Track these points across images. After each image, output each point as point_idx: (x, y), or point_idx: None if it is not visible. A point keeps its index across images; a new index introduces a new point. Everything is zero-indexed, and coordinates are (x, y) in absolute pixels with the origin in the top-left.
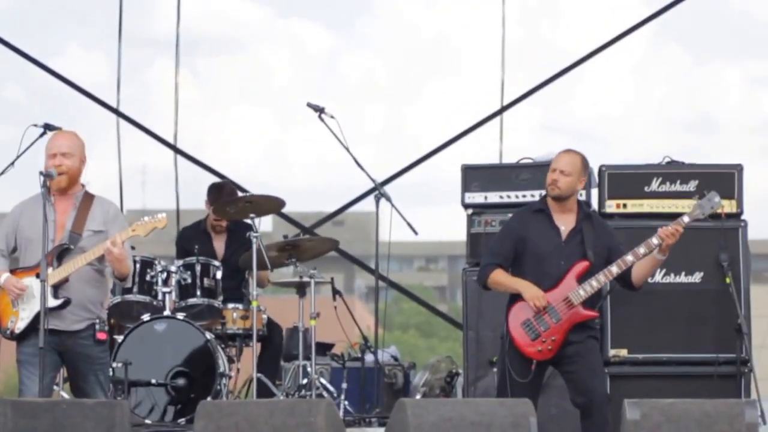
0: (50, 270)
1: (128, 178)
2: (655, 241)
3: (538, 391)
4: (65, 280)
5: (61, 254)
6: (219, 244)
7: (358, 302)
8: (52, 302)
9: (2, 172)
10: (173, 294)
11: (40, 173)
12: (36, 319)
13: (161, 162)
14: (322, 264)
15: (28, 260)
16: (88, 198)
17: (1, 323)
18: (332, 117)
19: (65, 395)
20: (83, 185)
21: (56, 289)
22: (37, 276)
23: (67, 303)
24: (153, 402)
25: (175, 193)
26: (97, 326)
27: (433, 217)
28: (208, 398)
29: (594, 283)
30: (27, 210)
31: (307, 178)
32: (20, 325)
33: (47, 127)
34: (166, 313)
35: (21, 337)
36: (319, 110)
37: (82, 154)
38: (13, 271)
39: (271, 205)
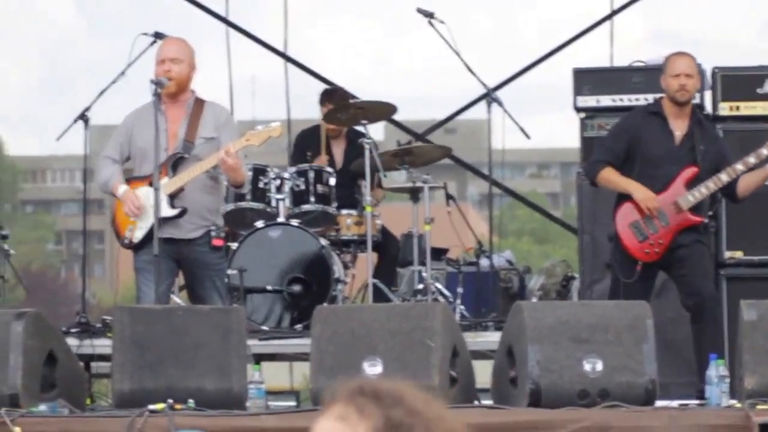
0: (166, 179)
1: (237, 89)
2: (765, 151)
3: (649, 293)
4: (180, 189)
5: (175, 163)
6: (337, 151)
7: (471, 209)
8: (169, 212)
9: (113, 82)
10: (287, 201)
11: (151, 81)
12: (152, 228)
13: (270, 72)
14: (434, 171)
15: (144, 169)
16: (199, 104)
17: (120, 232)
18: (442, 22)
19: (180, 302)
20: (193, 91)
21: (172, 198)
22: (152, 185)
23: (183, 212)
24: (269, 308)
25: (286, 102)
26: (213, 233)
27: (544, 123)
28: (324, 304)
29: (703, 190)
30: (139, 119)
31: (417, 85)
32: (138, 234)
33: (157, 36)
34: (280, 219)
35: (138, 246)
36: (429, 15)
37: (191, 60)
38: (128, 180)
39: (383, 111)
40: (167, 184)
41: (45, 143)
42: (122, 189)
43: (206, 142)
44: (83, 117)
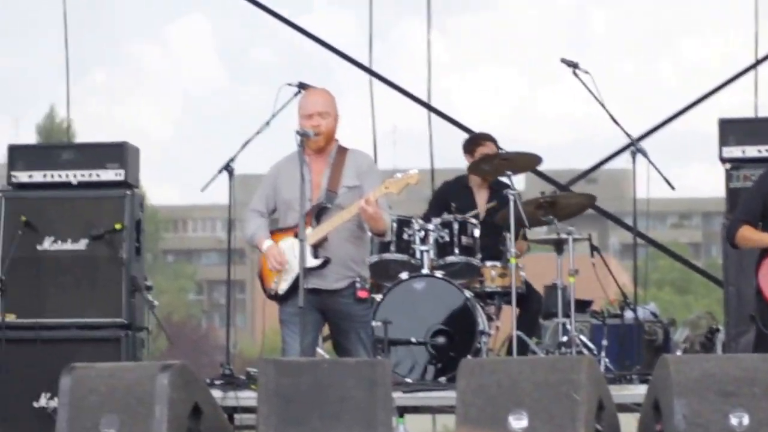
0: (309, 230)
1: (379, 138)
2: None
3: None
4: (324, 239)
5: (318, 213)
6: (481, 200)
7: (612, 259)
8: (312, 262)
9: (257, 132)
10: (431, 252)
11: (296, 132)
12: (298, 279)
13: (412, 121)
14: (575, 221)
15: (288, 220)
16: (342, 153)
17: (265, 284)
18: (586, 72)
19: (325, 354)
20: (336, 140)
21: (316, 248)
22: (296, 236)
23: (326, 262)
24: (413, 360)
25: (429, 151)
26: (358, 284)
27: (685, 172)
28: (468, 356)
29: None
30: (283, 170)
31: (556, 134)
32: (283, 286)
33: (301, 86)
34: (425, 271)
35: (283, 298)
36: (573, 66)
37: (336, 111)
38: (272, 233)
39: (528, 162)
40: (311, 234)
41: (186, 192)
42: (266, 244)
43: (349, 191)
44: (228, 168)
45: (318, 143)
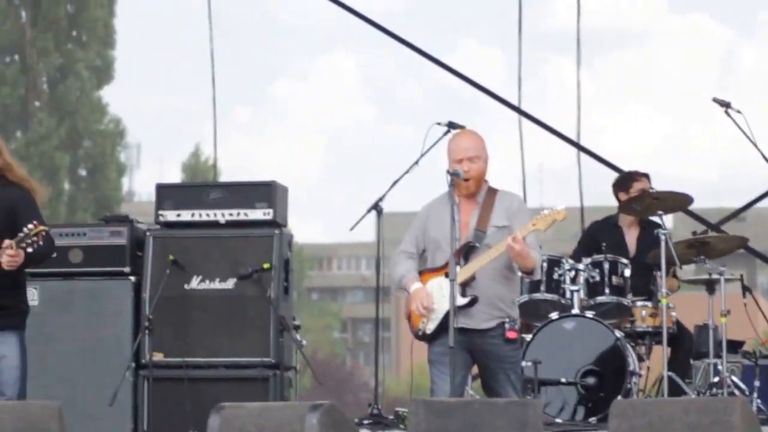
0: (457, 268)
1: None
2: None
3: None
4: (472, 278)
5: (467, 252)
6: (631, 239)
7: (761, 298)
8: (460, 301)
9: (406, 172)
10: (581, 292)
11: (448, 172)
12: (446, 319)
13: (558, 159)
14: (723, 259)
15: (436, 261)
16: (492, 193)
17: (413, 324)
18: (739, 112)
19: (473, 393)
20: (486, 181)
21: (464, 287)
22: (446, 275)
23: (474, 301)
24: (563, 401)
25: (579, 189)
26: (507, 324)
27: None
28: (619, 397)
29: None
30: (433, 211)
31: (703, 172)
32: (431, 326)
33: (451, 126)
34: (575, 311)
35: (432, 338)
36: (726, 105)
37: (486, 154)
38: (421, 273)
39: (679, 202)
40: (459, 272)
41: (331, 230)
42: (414, 287)
43: (498, 231)
44: (376, 207)
45: (468, 188)
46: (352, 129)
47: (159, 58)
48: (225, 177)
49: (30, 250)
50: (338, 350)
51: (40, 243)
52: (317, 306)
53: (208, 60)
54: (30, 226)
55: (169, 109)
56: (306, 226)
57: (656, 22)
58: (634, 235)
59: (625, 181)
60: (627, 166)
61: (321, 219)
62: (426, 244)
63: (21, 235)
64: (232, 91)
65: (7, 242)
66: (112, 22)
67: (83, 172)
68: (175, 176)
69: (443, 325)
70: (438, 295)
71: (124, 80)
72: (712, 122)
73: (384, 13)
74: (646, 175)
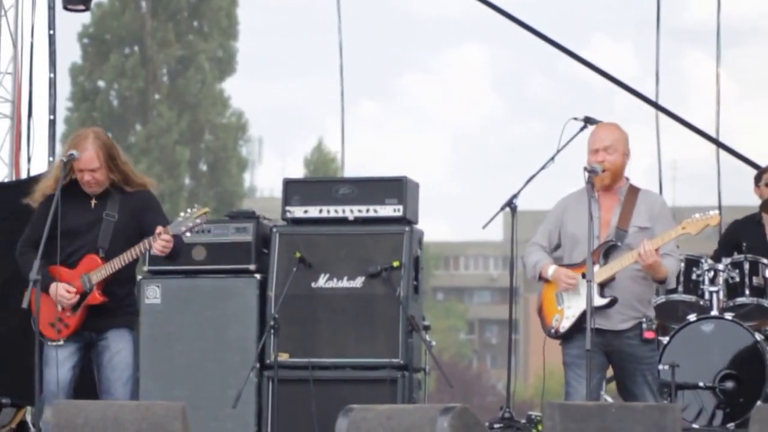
0: (597, 267)
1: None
2: None
3: None
4: (611, 279)
5: (607, 251)
6: None
7: None
8: (599, 301)
9: (542, 168)
10: (721, 293)
11: (584, 169)
12: (581, 319)
13: (693, 156)
14: None
15: (574, 257)
16: (633, 192)
17: (546, 321)
18: None
19: (608, 397)
20: (627, 179)
21: (602, 287)
22: (584, 275)
23: (613, 302)
24: (700, 405)
25: (717, 187)
26: (644, 325)
27: None
28: (759, 402)
29: None
30: (571, 206)
31: None
32: (565, 324)
33: (587, 121)
34: (714, 313)
35: (565, 337)
36: None
37: (625, 148)
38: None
39: None
40: (598, 272)
41: (457, 228)
42: (552, 268)
43: (640, 231)
44: (510, 204)
45: (603, 180)
46: (480, 124)
47: (283, 49)
48: (349, 172)
49: (188, 234)
50: (465, 352)
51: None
52: (443, 306)
53: (333, 52)
54: (190, 210)
55: (292, 103)
56: (432, 224)
57: None
58: None
59: (758, 175)
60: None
61: (447, 217)
62: (562, 240)
63: (179, 218)
64: (358, 84)
65: (160, 228)
66: (235, 12)
67: (204, 167)
68: (297, 171)
69: (578, 326)
70: (575, 293)
71: (246, 72)
72: None
73: (515, 3)
74: None
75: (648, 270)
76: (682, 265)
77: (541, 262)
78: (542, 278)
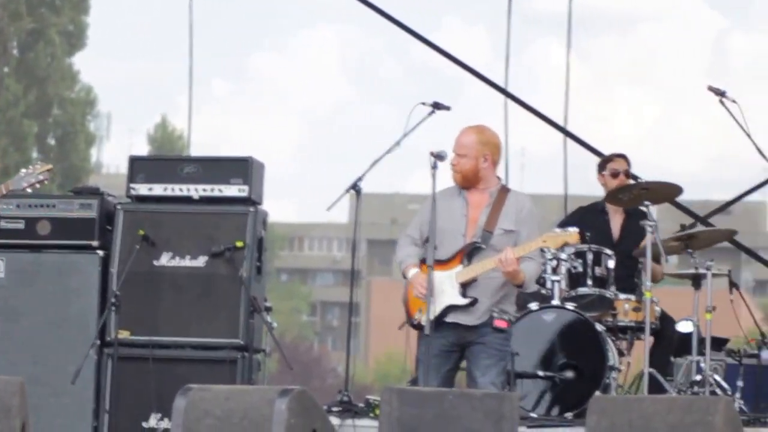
0: (460, 267)
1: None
2: None
3: None
4: (473, 280)
5: (471, 252)
6: (615, 225)
7: (745, 295)
8: (460, 300)
9: (387, 152)
10: (563, 283)
11: (431, 153)
12: (443, 314)
13: (542, 144)
14: (706, 254)
15: (440, 252)
16: (504, 192)
17: (410, 313)
18: (734, 102)
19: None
20: (499, 179)
21: (464, 287)
22: (444, 270)
23: (473, 303)
24: (539, 394)
25: (563, 176)
26: (496, 314)
27: None
28: (597, 392)
29: None
30: (439, 201)
31: (691, 162)
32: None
33: (436, 106)
34: (555, 302)
35: (425, 332)
36: (721, 94)
37: (480, 152)
38: (423, 262)
39: (668, 192)
40: (461, 272)
41: (303, 210)
42: (412, 272)
43: (505, 234)
44: (355, 187)
45: (455, 179)
46: (331, 107)
47: (134, 26)
48: (196, 152)
49: (29, 190)
50: (306, 333)
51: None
52: (286, 287)
53: (185, 30)
54: (32, 167)
55: (142, 80)
56: (278, 205)
57: (649, 7)
58: (619, 222)
59: (602, 163)
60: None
61: (294, 198)
62: (431, 233)
63: (21, 174)
64: (208, 63)
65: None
66: None
67: (52, 141)
68: (145, 149)
69: (439, 319)
70: (438, 291)
71: (97, 48)
72: (702, 111)
73: None
74: (622, 156)
75: (506, 276)
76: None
77: (406, 261)
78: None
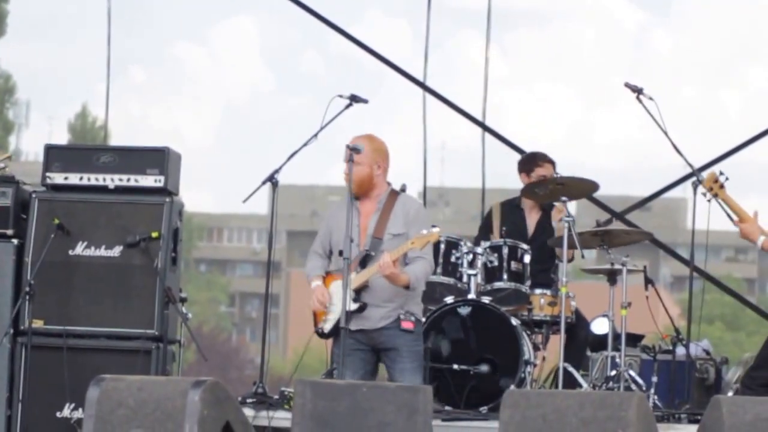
0: (354, 275)
1: (427, 154)
2: None
3: None
4: (366, 285)
5: (364, 260)
6: (531, 222)
7: (663, 291)
8: (352, 306)
9: (305, 144)
10: (479, 277)
11: (347, 146)
12: (338, 322)
13: (461, 138)
14: (625, 250)
15: (341, 263)
16: (392, 198)
17: (316, 321)
18: (651, 99)
19: None
20: (389, 184)
21: (358, 293)
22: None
23: (363, 308)
24: (455, 388)
25: (482, 170)
26: (402, 316)
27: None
28: (512, 386)
29: None
30: (336, 213)
31: (610, 158)
32: (327, 326)
33: (353, 99)
34: (471, 296)
35: (330, 335)
36: (638, 91)
37: (375, 161)
38: (329, 274)
39: (584, 188)
40: (353, 279)
41: (223, 200)
42: (314, 284)
43: (394, 238)
44: (272, 179)
45: (352, 189)
46: (251, 98)
47: (53, 12)
48: (115, 141)
49: None
50: (225, 325)
51: None
52: (205, 278)
53: (104, 17)
54: None
55: (61, 67)
56: (197, 195)
57: (570, 2)
58: (535, 218)
59: (529, 163)
60: (531, 148)
61: (213, 188)
62: (332, 245)
63: None
64: (127, 52)
65: None
66: None
67: None
68: (63, 137)
69: (338, 326)
70: (336, 299)
71: (16, 34)
72: (621, 107)
73: None
74: (551, 162)
75: (387, 280)
76: (442, 246)
77: (311, 274)
78: None
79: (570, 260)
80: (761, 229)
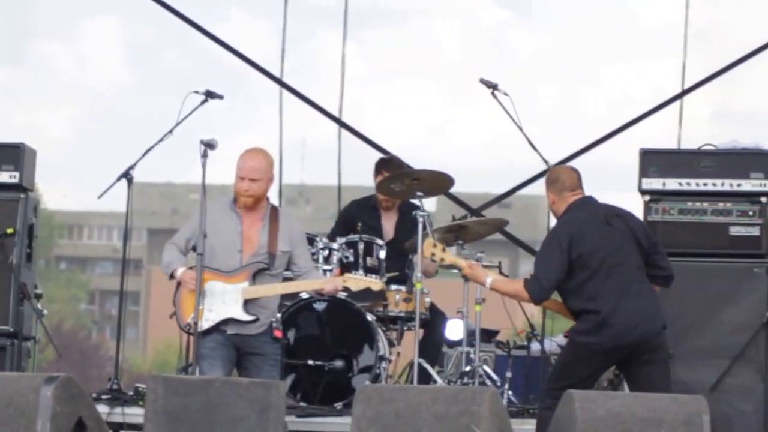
0: (246, 284)
1: (287, 151)
2: None
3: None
4: (258, 298)
5: (257, 272)
6: (388, 224)
7: None
8: (244, 317)
9: (160, 140)
10: (334, 272)
11: (201, 142)
12: (221, 324)
13: (322, 135)
14: (485, 247)
15: (215, 264)
16: (275, 213)
17: (183, 317)
18: (506, 94)
19: None
20: (268, 198)
21: (247, 302)
22: (228, 283)
23: (255, 321)
24: (309, 384)
25: (338, 168)
26: (275, 324)
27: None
28: (367, 382)
29: None
30: (211, 215)
31: (471, 157)
32: (204, 325)
33: (209, 95)
34: None
35: (204, 334)
36: (492, 87)
37: (270, 175)
38: (191, 269)
39: (440, 183)
40: (247, 290)
41: (84, 198)
42: (181, 270)
43: (283, 255)
44: (127, 175)
45: (246, 203)
46: (114, 96)
47: None
48: None
49: None
50: (85, 322)
51: None
52: (65, 276)
53: None
54: None
55: None
56: (58, 193)
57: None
58: (393, 220)
59: (377, 166)
60: (391, 146)
61: (75, 186)
62: (204, 248)
63: None
64: None
65: None
66: None
67: None
68: None
69: (217, 327)
70: (218, 300)
71: None
72: (482, 106)
73: None
74: (400, 166)
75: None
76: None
77: (173, 263)
78: (173, 277)
79: (433, 272)
80: (485, 270)
